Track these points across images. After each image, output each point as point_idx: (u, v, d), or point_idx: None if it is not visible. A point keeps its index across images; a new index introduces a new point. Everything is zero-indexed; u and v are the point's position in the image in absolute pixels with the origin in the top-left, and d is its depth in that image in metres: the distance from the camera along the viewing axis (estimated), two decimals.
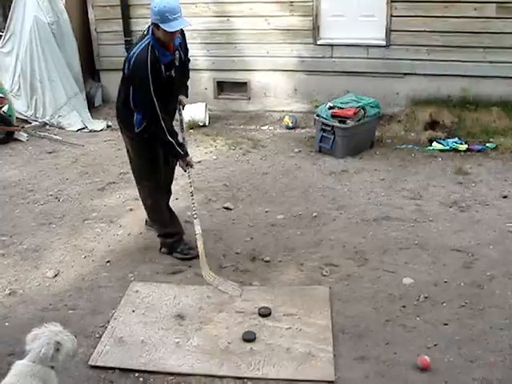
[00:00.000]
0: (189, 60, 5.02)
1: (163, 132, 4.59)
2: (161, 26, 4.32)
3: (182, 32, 4.74)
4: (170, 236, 5.20)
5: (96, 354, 3.92)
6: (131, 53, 4.51)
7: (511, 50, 7.96)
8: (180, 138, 4.86)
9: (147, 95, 4.45)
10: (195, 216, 4.97)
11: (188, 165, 4.92)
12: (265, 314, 4.27)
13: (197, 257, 4.95)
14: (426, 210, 5.95)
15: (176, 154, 4.82)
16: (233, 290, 4.58)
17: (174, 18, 4.33)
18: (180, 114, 5.07)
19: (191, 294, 4.59)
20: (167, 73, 4.56)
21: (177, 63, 4.68)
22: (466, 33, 8.06)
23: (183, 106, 5.06)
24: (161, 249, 5.25)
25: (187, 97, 5.11)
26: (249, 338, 4.02)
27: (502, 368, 3.75)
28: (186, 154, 4.87)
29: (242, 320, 4.26)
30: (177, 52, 4.67)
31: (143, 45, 4.45)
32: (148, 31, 4.49)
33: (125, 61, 4.58)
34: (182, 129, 5.09)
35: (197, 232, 4.91)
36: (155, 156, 4.91)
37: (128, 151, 5.13)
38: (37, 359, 3.07)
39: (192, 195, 5.06)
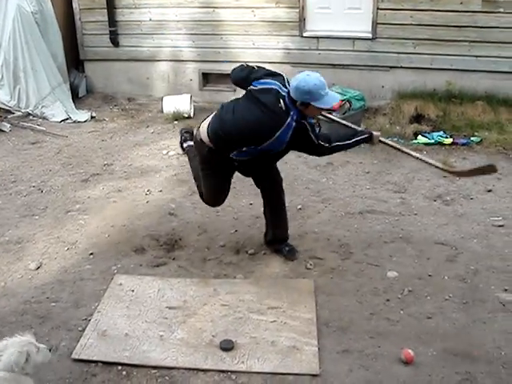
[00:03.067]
0: None
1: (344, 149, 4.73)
2: (313, 104, 4.18)
3: None
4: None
5: (79, 348, 3.89)
6: (281, 131, 4.19)
7: (496, 44, 7.98)
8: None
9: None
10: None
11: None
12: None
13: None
14: (410, 204, 5.96)
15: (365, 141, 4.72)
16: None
17: (327, 92, 4.24)
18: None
19: (175, 287, 4.57)
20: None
21: None
22: (452, 26, 8.07)
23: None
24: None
25: None
26: (226, 346, 3.91)
27: (486, 362, 3.76)
28: (369, 132, 4.76)
29: (226, 313, 4.25)
30: None
31: (294, 121, 4.19)
32: (286, 107, 4.21)
33: (249, 137, 4.33)
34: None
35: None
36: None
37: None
38: (10, 367, 3.04)
39: None
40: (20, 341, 3.14)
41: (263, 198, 5.02)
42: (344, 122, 5.04)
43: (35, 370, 3.21)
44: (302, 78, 4.18)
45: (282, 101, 4.23)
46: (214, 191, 4.88)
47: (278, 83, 4.32)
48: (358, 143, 4.64)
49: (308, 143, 4.32)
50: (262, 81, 4.43)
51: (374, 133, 4.67)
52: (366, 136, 4.64)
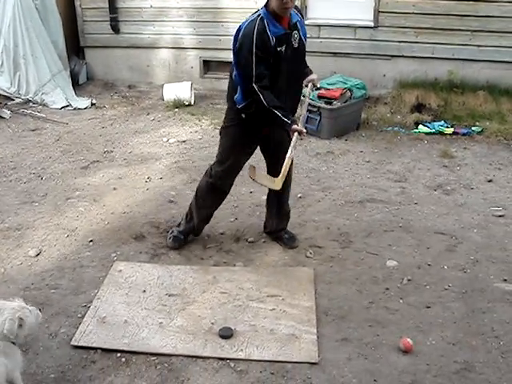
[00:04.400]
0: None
1: (261, 102, 4.25)
2: None
3: (301, 14, 4.51)
4: (190, 219, 5.01)
5: (78, 334, 3.90)
6: (239, 26, 4.34)
7: (498, 33, 7.96)
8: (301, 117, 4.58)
9: (249, 63, 4.21)
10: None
11: (299, 132, 4.33)
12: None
13: (171, 249, 4.95)
14: (410, 193, 5.95)
15: (282, 123, 4.33)
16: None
17: None
18: (307, 97, 4.70)
19: (175, 274, 4.57)
20: (278, 48, 4.24)
21: (294, 44, 4.36)
22: (454, 15, 8.04)
23: (314, 87, 4.76)
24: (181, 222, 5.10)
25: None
26: (225, 334, 3.92)
27: (484, 351, 3.77)
28: (293, 123, 4.32)
29: (225, 301, 4.25)
30: (295, 33, 4.34)
31: (253, 17, 4.27)
32: (259, 9, 4.30)
33: (234, 37, 4.37)
34: (307, 110, 4.73)
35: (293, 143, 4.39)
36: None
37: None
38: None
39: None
40: (12, 307, 3.16)
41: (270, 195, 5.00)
42: (306, 108, 4.80)
43: (30, 332, 3.26)
44: None
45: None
46: (231, 149, 4.72)
47: None
48: (275, 115, 4.27)
49: (244, 53, 4.24)
50: None
51: (295, 126, 4.31)
52: (286, 120, 4.29)
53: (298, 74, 4.57)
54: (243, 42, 4.25)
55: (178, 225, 5.10)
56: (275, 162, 4.59)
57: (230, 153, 4.70)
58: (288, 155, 4.34)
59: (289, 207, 5.09)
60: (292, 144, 4.36)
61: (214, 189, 4.86)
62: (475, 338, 3.88)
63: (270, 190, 4.87)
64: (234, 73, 4.43)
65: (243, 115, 4.48)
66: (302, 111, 4.67)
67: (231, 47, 4.43)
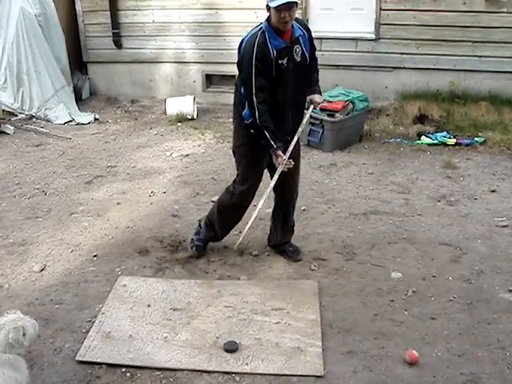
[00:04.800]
0: (316, 59, 4.72)
1: (255, 117, 4.31)
2: (269, 4, 4.17)
3: (307, 29, 4.53)
4: (211, 229, 5.02)
5: (83, 349, 3.89)
6: (242, 39, 4.41)
7: (500, 44, 7.99)
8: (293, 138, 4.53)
9: (249, 76, 4.25)
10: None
11: (279, 163, 4.34)
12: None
13: (192, 257, 4.97)
14: (414, 204, 5.95)
15: (266, 146, 4.38)
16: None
17: None
18: (305, 115, 4.66)
19: (179, 289, 4.57)
20: (279, 61, 4.27)
21: (297, 57, 4.37)
22: (455, 27, 8.08)
23: (314, 106, 4.74)
24: (200, 222, 5.10)
25: (321, 94, 4.74)
26: (230, 348, 3.90)
27: (490, 362, 3.75)
28: (278, 148, 4.33)
29: (230, 314, 4.24)
30: (297, 47, 4.37)
31: (254, 30, 4.34)
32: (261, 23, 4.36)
33: (238, 50, 4.44)
34: (299, 131, 4.59)
35: (258, 207, 4.50)
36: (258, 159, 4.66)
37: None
38: (4, 348, 3.06)
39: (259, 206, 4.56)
40: (12, 319, 3.17)
41: (277, 202, 4.99)
42: (302, 128, 4.66)
43: (30, 343, 3.27)
44: None
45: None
46: (249, 169, 4.72)
47: None
48: (266, 139, 4.34)
49: (244, 65, 4.32)
50: None
51: (278, 152, 4.34)
52: (271, 144, 4.33)
53: (302, 87, 4.57)
54: (244, 54, 4.31)
55: (197, 233, 5.08)
56: (283, 180, 4.58)
57: (250, 171, 4.72)
58: (268, 190, 4.47)
59: (293, 221, 5.10)
60: (276, 176, 4.44)
61: (238, 206, 4.88)
62: (481, 350, 3.86)
63: (276, 203, 4.94)
64: (242, 87, 4.46)
65: (252, 131, 4.46)
66: (298, 130, 4.59)
67: (235, 61, 4.48)
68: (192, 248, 5.05)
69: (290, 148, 4.46)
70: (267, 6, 4.21)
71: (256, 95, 4.27)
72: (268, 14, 4.29)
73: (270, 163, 4.64)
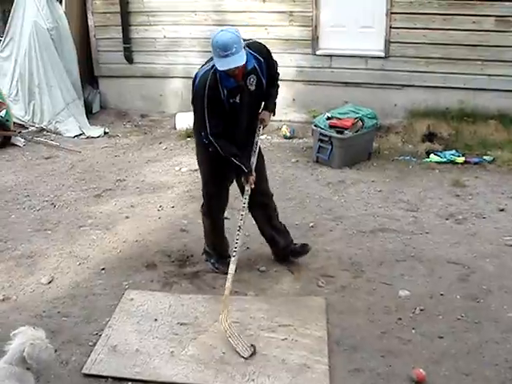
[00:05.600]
0: (277, 74, 4.71)
1: (218, 151, 4.42)
2: (215, 65, 4.15)
3: (262, 52, 4.46)
4: (214, 250, 5.12)
5: (90, 363, 3.89)
6: (196, 74, 4.42)
7: (509, 63, 7.99)
8: (251, 158, 4.62)
9: (203, 116, 4.32)
10: (234, 254, 4.49)
11: (248, 182, 4.55)
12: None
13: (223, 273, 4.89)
14: (422, 222, 5.94)
15: (239, 171, 4.54)
16: (242, 350, 3.98)
17: (226, 55, 4.03)
18: (256, 135, 4.70)
19: (186, 303, 4.57)
20: (231, 100, 4.32)
21: (251, 87, 4.40)
22: (465, 45, 8.09)
23: (263, 126, 4.75)
24: (203, 253, 5.19)
25: (273, 112, 4.79)
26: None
27: (497, 382, 3.73)
28: (250, 172, 4.53)
29: (237, 330, 4.22)
30: (251, 77, 4.37)
31: (207, 67, 4.30)
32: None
33: (192, 84, 4.48)
34: (254, 151, 4.66)
35: (230, 272, 4.42)
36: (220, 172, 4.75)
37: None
38: (14, 360, 3.06)
39: (239, 227, 4.59)
40: (32, 334, 3.17)
41: (259, 218, 5.04)
42: (255, 148, 4.72)
43: (42, 366, 3.26)
44: (217, 31, 4.13)
45: None
46: (213, 183, 4.82)
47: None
48: (236, 165, 4.48)
49: (197, 102, 4.39)
50: None
51: (252, 174, 4.55)
52: (244, 168, 4.49)
53: (257, 110, 4.68)
54: (196, 95, 4.37)
55: (209, 257, 5.12)
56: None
57: (211, 176, 4.79)
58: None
59: (283, 224, 5.13)
60: (246, 198, 4.58)
61: (212, 222, 5.00)
62: (488, 369, 3.83)
63: (257, 220, 5.06)
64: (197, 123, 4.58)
65: (210, 149, 4.52)
66: (252, 155, 4.67)
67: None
68: (218, 269, 5.03)
69: (253, 166, 4.59)
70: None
71: (211, 133, 4.35)
72: None
73: (237, 178, 4.80)
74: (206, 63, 4.42)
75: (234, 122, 4.46)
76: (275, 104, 4.76)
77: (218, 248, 5.10)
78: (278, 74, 4.74)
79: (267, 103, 4.72)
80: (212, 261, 5.09)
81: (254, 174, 4.57)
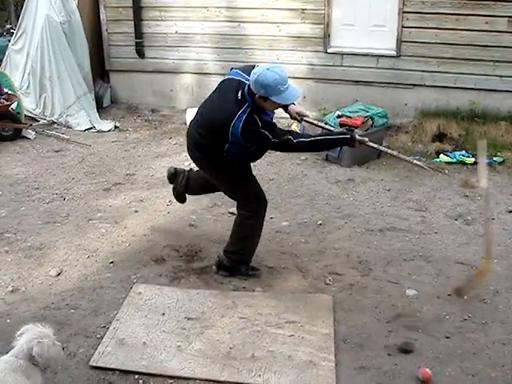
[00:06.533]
0: None
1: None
2: (272, 98, 4.18)
3: None
4: (245, 254, 4.97)
5: (97, 355, 3.91)
6: (233, 125, 4.23)
7: None
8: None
9: (266, 142, 4.31)
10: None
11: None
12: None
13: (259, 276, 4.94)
14: (431, 222, 5.93)
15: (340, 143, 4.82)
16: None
17: (286, 87, 4.19)
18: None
19: (194, 298, 4.58)
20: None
21: None
22: (477, 46, 8.08)
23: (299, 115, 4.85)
24: (218, 271, 4.98)
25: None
26: (406, 348, 4.00)
27: (503, 383, 3.73)
28: (351, 134, 4.52)
29: (244, 326, 4.25)
30: None
31: (246, 113, 4.21)
32: (243, 98, 4.27)
33: (217, 131, 4.36)
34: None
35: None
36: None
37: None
38: (20, 354, 3.07)
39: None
40: (40, 331, 3.17)
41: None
42: (323, 125, 4.89)
43: (49, 364, 3.26)
44: (262, 72, 4.13)
45: (240, 92, 4.27)
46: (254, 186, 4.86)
47: (245, 75, 4.37)
48: (334, 142, 4.59)
49: (260, 139, 4.28)
50: (234, 71, 4.58)
51: (357, 136, 4.50)
52: (343, 137, 4.51)
53: None
54: (252, 133, 4.26)
55: (237, 267, 4.94)
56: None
57: (245, 180, 4.82)
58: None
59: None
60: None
61: (258, 222, 4.90)
62: (495, 370, 3.83)
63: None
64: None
65: (236, 161, 4.58)
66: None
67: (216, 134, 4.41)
68: (254, 274, 4.94)
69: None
70: (263, 97, 4.19)
71: (294, 138, 4.32)
72: (253, 97, 4.25)
73: None
74: (227, 109, 4.32)
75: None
76: None
77: (251, 251, 4.95)
78: None
79: None
80: (243, 270, 4.93)
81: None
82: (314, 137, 4.52)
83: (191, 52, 9.42)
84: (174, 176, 5.39)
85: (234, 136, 4.26)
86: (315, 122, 5.01)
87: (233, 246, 4.90)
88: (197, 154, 4.73)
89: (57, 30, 8.91)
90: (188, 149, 4.84)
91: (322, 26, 8.64)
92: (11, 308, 4.45)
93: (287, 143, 4.31)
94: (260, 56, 8.90)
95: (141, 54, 9.65)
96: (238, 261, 4.90)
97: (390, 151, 4.79)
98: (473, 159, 7.46)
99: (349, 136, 4.48)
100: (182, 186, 5.33)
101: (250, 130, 4.22)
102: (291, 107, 4.79)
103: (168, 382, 3.74)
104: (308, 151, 4.44)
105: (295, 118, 4.90)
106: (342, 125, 7.38)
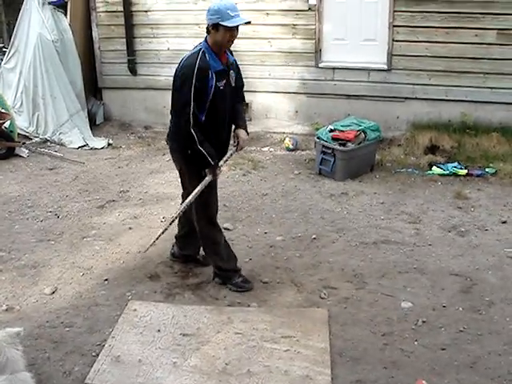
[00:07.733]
0: (243, 86, 4.93)
1: (193, 140, 4.45)
2: (222, 23, 4.33)
3: (236, 64, 4.76)
4: (228, 262, 5.03)
5: (92, 373, 3.90)
6: (182, 57, 4.56)
7: (511, 76, 8.02)
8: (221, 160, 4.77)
9: (187, 96, 4.37)
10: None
11: (212, 174, 4.65)
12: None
13: (250, 289, 4.95)
14: (425, 234, 5.95)
15: (207, 165, 4.59)
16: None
17: (236, 14, 4.37)
18: (230, 149, 4.89)
19: (189, 314, 4.58)
20: (217, 83, 4.43)
21: (232, 82, 4.63)
22: (467, 58, 8.14)
23: (238, 144, 4.85)
24: (214, 278, 5.08)
25: (246, 131, 4.91)
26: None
27: None
28: (216, 165, 4.63)
29: (240, 341, 4.24)
30: (232, 72, 4.63)
31: (194, 50, 4.50)
32: (198, 45, 4.55)
33: (175, 74, 4.57)
34: (224, 159, 4.88)
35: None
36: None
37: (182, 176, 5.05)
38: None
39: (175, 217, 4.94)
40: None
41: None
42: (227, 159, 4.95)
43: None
44: (214, 3, 4.40)
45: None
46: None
47: None
48: (204, 156, 4.53)
49: (184, 79, 4.43)
50: None
51: (207, 178, 4.65)
52: (210, 160, 4.55)
53: (232, 109, 4.77)
54: (185, 73, 4.44)
55: (228, 278, 5.00)
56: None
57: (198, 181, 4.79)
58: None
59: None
60: (199, 187, 4.63)
61: (218, 229, 5.01)
62: (491, 381, 3.83)
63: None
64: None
65: (189, 151, 4.60)
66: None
67: (249, 89, 4.53)
68: (244, 287, 4.96)
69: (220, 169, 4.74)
70: (215, 25, 4.39)
71: (193, 115, 4.41)
72: (209, 34, 4.49)
73: None
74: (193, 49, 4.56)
75: (213, 114, 4.53)
76: (245, 122, 4.97)
77: (232, 260, 5.02)
78: (243, 86, 4.95)
79: (238, 120, 4.86)
80: (234, 281, 4.96)
81: (220, 170, 4.75)
82: (203, 145, 4.48)
83: None
84: (174, 255, 5.48)
85: (176, 83, 4.50)
86: (228, 159, 4.98)
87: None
88: (169, 145, 5.02)
89: (49, 48, 8.94)
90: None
91: (314, 41, 8.69)
92: (6, 327, 4.41)
93: (184, 115, 4.45)
94: (252, 72, 8.92)
95: (133, 71, 9.68)
96: (222, 273, 5.02)
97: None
98: (465, 171, 7.49)
99: (213, 163, 4.57)
100: (178, 254, 5.43)
101: (186, 68, 4.42)
102: (240, 132, 4.84)
103: None
104: (184, 140, 4.42)
105: (235, 142, 4.87)
106: (334, 139, 7.42)
